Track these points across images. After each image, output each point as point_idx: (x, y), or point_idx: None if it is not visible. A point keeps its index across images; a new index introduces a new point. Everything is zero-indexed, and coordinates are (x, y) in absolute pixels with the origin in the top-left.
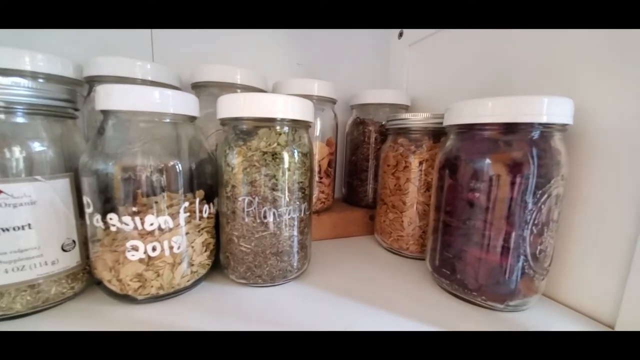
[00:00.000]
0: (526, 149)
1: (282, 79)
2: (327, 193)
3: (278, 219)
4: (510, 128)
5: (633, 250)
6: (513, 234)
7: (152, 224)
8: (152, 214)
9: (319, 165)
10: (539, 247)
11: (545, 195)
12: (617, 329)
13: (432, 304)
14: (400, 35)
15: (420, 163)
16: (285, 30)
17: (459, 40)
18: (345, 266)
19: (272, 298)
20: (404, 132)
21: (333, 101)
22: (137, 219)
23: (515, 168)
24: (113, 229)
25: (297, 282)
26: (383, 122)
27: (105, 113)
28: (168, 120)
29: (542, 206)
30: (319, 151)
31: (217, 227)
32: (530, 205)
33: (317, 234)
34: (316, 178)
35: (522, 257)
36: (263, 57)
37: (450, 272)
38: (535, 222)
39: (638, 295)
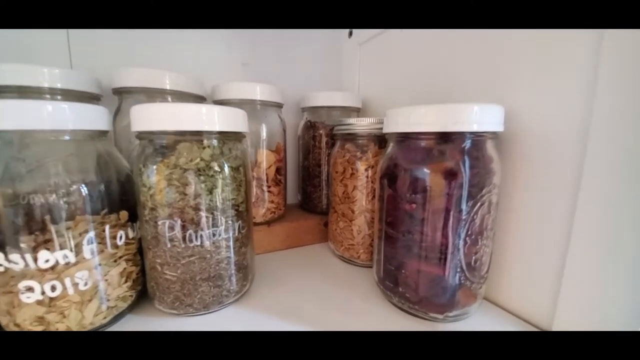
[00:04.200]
0: (458, 158)
1: (221, 83)
2: (278, 202)
3: (207, 242)
4: (443, 137)
5: (565, 254)
6: (448, 245)
7: (47, 261)
8: (48, 249)
9: (266, 174)
10: (474, 257)
11: (479, 204)
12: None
13: (378, 321)
14: (350, 34)
15: (367, 169)
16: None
17: (406, 41)
18: (294, 281)
19: (205, 328)
20: (351, 138)
21: (279, 105)
22: (27, 255)
23: (448, 178)
24: (0, 269)
25: (235, 307)
26: (334, 124)
27: None
28: (68, 138)
29: (475, 216)
30: (266, 159)
31: (142, 251)
32: (463, 215)
33: (268, 246)
34: (265, 188)
35: (458, 268)
36: (203, 57)
37: (393, 285)
38: (469, 232)
39: (571, 300)
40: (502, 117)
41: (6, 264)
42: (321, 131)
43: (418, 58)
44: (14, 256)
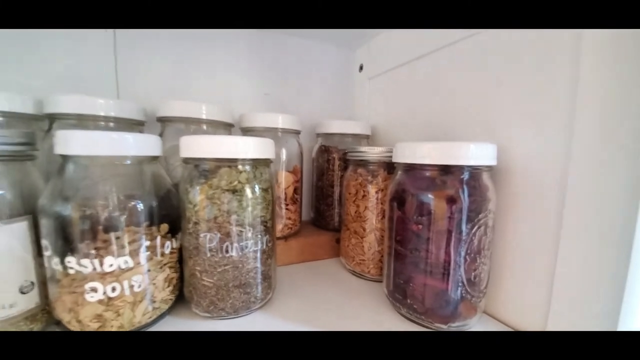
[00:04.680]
0: (458, 187)
1: (248, 112)
2: (294, 219)
3: (240, 253)
4: (445, 169)
5: (553, 272)
6: (450, 262)
7: (111, 265)
8: (112, 255)
9: (285, 193)
10: (473, 273)
11: (476, 227)
12: None
13: (388, 328)
14: (361, 68)
15: (377, 192)
16: (252, 61)
17: (411, 79)
18: (310, 292)
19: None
20: (362, 164)
21: (297, 132)
22: (95, 260)
23: (449, 203)
24: (71, 271)
25: (260, 312)
26: (346, 150)
27: (64, 157)
28: (129, 162)
29: (474, 237)
30: (285, 180)
31: (181, 260)
32: (463, 236)
33: (285, 259)
34: (283, 206)
35: (459, 283)
36: (231, 87)
37: (402, 297)
38: (469, 251)
39: (561, 313)
40: (494, 153)
41: (77, 267)
42: (334, 155)
43: (421, 95)
44: (84, 261)
